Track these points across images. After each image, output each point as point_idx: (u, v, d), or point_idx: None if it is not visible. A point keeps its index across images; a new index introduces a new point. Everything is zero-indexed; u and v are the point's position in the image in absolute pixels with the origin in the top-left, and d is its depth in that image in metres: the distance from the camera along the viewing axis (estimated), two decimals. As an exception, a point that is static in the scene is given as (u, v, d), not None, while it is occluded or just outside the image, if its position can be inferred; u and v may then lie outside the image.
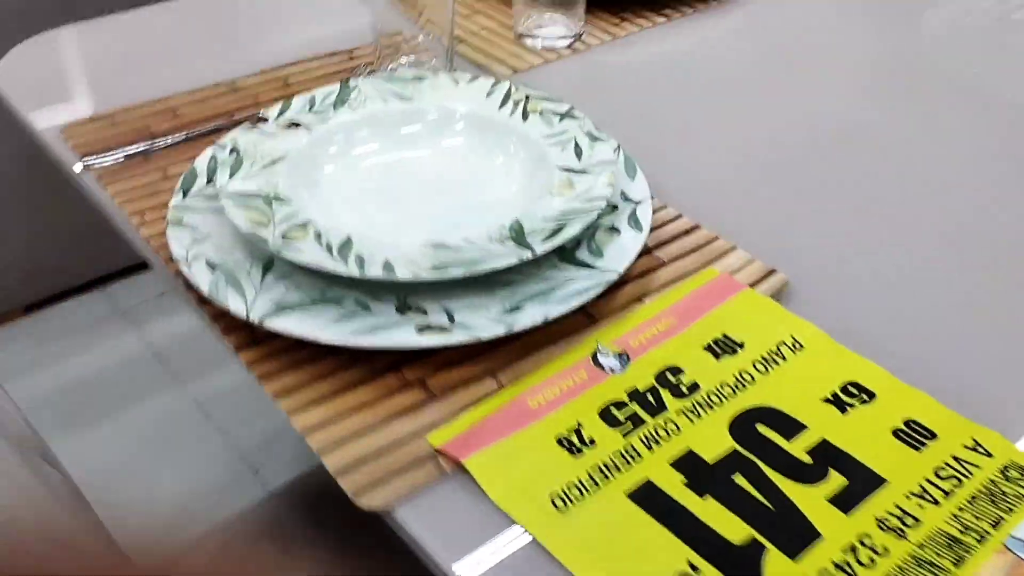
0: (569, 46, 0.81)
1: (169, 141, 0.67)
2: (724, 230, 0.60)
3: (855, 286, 0.57)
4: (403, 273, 0.49)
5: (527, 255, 0.51)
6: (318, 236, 0.52)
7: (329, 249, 0.51)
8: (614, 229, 0.56)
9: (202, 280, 0.51)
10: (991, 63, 0.82)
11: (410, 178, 0.61)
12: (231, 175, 0.56)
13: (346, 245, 0.51)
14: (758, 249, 0.58)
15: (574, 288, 0.52)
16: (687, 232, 0.60)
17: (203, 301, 0.53)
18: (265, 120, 0.61)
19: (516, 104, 0.63)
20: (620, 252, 0.54)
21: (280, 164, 0.58)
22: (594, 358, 0.51)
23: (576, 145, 0.59)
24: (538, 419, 0.47)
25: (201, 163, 0.60)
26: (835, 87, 0.78)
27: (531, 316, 0.50)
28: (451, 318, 0.50)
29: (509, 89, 0.64)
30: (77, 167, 0.65)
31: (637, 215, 0.57)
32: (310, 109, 0.63)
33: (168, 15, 0.87)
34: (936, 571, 0.40)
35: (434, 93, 0.65)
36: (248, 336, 0.52)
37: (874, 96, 0.77)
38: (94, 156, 0.66)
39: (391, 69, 0.75)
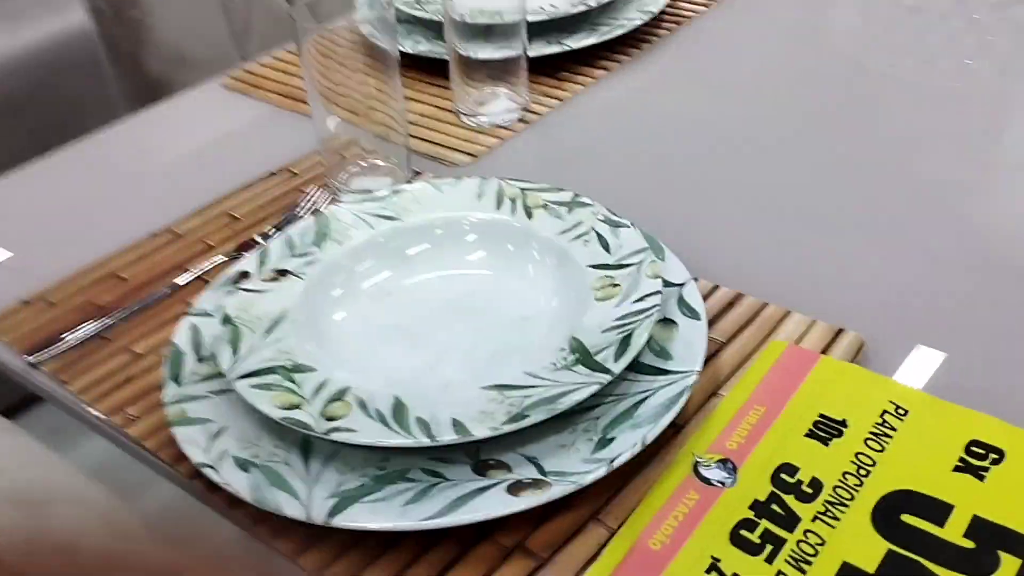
0: (520, 119, 0.76)
1: (123, 314, 0.59)
2: (769, 293, 0.56)
3: (932, 329, 0.54)
4: (480, 431, 0.43)
5: (605, 379, 0.45)
6: (363, 405, 0.45)
7: (383, 420, 0.44)
8: (668, 321, 0.51)
9: (239, 485, 0.44)
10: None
11: (435, 304, 0.54)
12: (234, 352, 0.48)
13: (399, 409, 0.45)
14: (815, 308, 0.54)
15: (657, 401, 0.47)
16: (732, 304, 0.55)
17: (234, 503, 0.45)
18: (247, 275, 0.54)
19: (514, 202, 0.58)
20: (686, 347, 0.49)
21: (283, 324, 0.50)
22: (696, 472, 0.46)
23: (600, 237, 0.54)
24: (668, 563, 0.42)
25: (182, 338, 0.52)
26: (798, 113, 0.76)
27: (627, 445, 0.44)
28: (540, 468, 0.44)
29: (500, 187, 0.59)
30: (23, 367, 0.56)
31: (686, 300, 0.52)
32: (292, 253, 0.55)
33: (70, 165, 0.77)
34: None
35: (420, 205, 0.59)
36: (305, 535, 0.44)
37: (843, 117, 0.75)
38: (40, 350, 0.57)
39: (346, 180, 0.68)
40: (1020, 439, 0.46)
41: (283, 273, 0.54)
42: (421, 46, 0.82)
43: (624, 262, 0.53)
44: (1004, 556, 0.41)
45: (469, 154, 0.72)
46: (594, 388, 0.45)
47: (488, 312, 0.53)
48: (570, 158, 0.73)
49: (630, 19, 0.84)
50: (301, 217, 0.65)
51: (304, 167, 0.72)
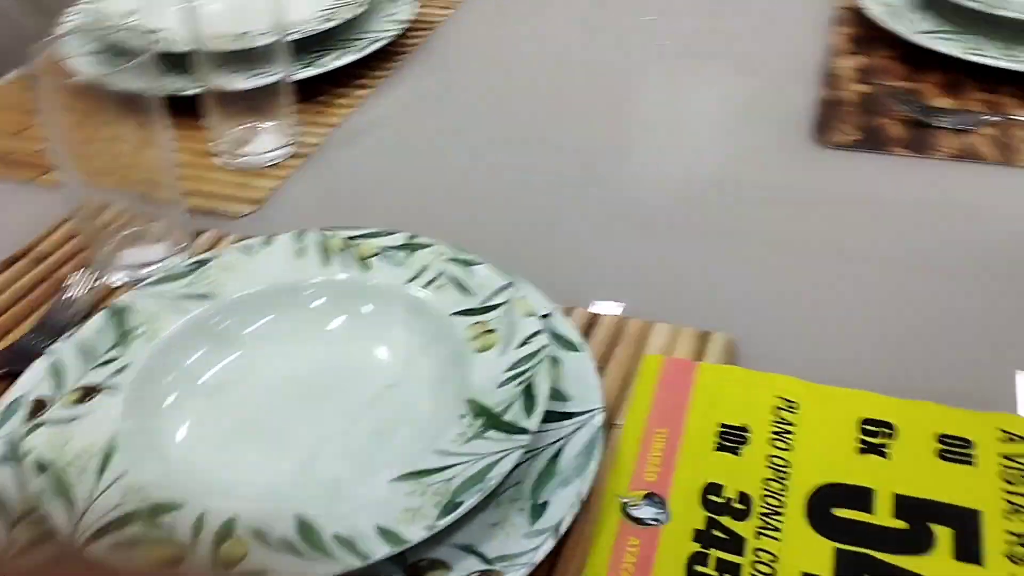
0: (293, 155, 0.69)
1: None
2: (626, 306, 0.54)
3: (794, 317, 0.55)
4: (415, 534, 0.37)
5: (525, 439, 0.41)
6: (261, 537, 0.38)
7: (294, 549, 0.37)
8: (551, 358, 0.48)
9: (129, 674, 0.35)
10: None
11: (286, 389, 0.47)
12: (70, 506, 0.39)
13: (307, 530, 0.38)
14: (671, 313, 0.54)
15: (574, 450, 0.43)
16: (592, 325, 0.53)
17: None
18: (43, 405, 0.44)
19: (342, 253, 0.52)
20: (578, 383, 0.46)
21: (118, 456, 0.41)
22: (627, 514, 0.43)
23: (454, 279, 0.50)
24: (638, 623, 0.39)
25: (-20, 497, 0.41)
26: (558, 111, 0.75)
27: (565, 506, 0.41)
28: (482, 557, 0.39)
29: (322, 239, 0.53)
30: None
31: (559, 332, 0.49)
32: (93, 363, 0.46)
33: None
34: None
35: (233, 275, 0.51)
36: None
37: (599, 111, 0.76)
38: None
39: (112, 254, 0.58)
40: (904, 410, 0.48)
41: (91, 391, 0.44)
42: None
43: (490, 303, 0.49)
44: (936, 528, 0.42)
45: (249, 202, 0.64)
46: (518, 452, 0.41)
47: (348, 386, 0.47)
48: (361, 190, 0.67)
49: (383, 31, 0.79)
50: (72, 311, 0.54)
51: (53, 245, 0.60)
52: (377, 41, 0.77)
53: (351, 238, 0.53)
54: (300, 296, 0.49)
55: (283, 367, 0.48)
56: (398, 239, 0.52)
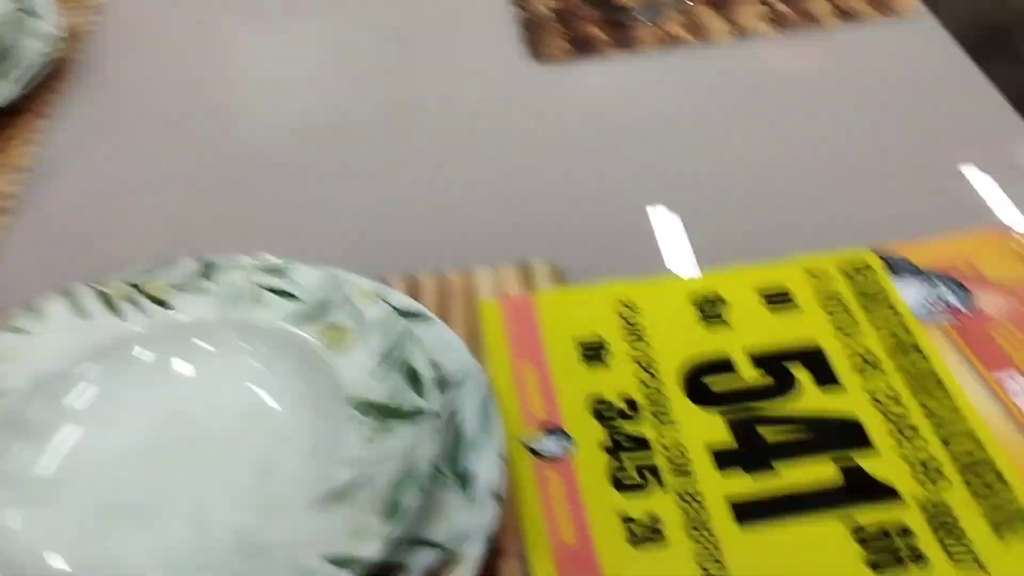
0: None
1: None
2: (427, 258, 0.54)
3: (593, 225, 0.57)
4: (371, 550, 0.35)
5: (430, 419, 0.40)
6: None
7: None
8: (398, 335, 0.46)
9: None
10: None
11: (148, 453, 0.41)
12: None
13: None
14: (478, 255, 0.54)
15: (471, 414, 0.42)
16: (416, 288, 0.52)
17: None
18: None
19: (132, 300, 0.46)
20: (442, 349, 0.45)
21: None
22: (535, 453, 0.44)
23: (275, 289, 0.46)
24: (594, 547, 0.40)
25: None
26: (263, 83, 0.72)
27: (490, 468, 0.40)
28: (431, 543, 0.37)
29: (99, 292, 0.46)
30: None
31: (397, 306, 0.47)
32: None
33: None
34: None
35: (15, 363, 0.43)
36: None
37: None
38: None
39: None
40: (724, 279, 0.51)
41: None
42: None
43: (324, 301, 0.45)
44: (791, 366, 0.47)
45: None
46: (431, 433, 0.39)
47: (207, 431, 0.42)
48: (88, 231, 0.59)
49: (35, 51, 0.69)
50: None
51: None
52: (35, 65, 0.67)
53: (132, 283, 0.47)
54: (115, 355, 0.43)
55: (124, 433, 0.42)
56: (186, 267, 0.47)
